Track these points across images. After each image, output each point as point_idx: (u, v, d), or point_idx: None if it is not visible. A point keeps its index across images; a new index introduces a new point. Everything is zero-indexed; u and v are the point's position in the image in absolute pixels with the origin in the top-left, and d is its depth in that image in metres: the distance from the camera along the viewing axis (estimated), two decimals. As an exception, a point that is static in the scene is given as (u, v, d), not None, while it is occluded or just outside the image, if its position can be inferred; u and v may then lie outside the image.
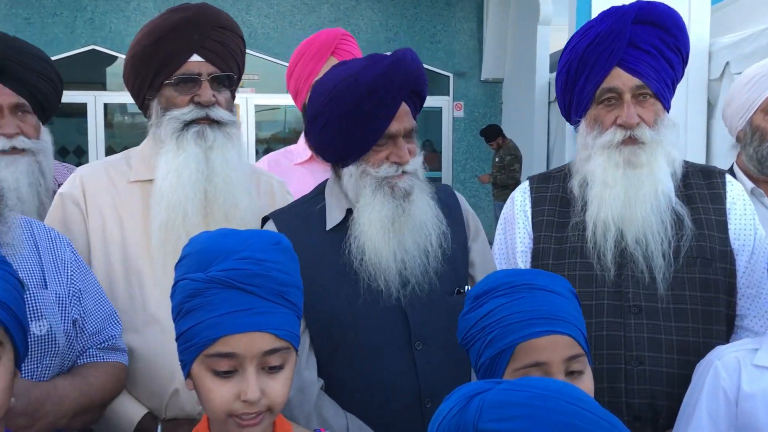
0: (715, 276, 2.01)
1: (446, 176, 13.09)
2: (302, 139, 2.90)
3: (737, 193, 2.13)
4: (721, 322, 2.03)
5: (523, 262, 2.16)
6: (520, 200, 2.26)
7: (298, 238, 1.73)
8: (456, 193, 2.15)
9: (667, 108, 2.08)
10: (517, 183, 10.28)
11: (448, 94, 13.28)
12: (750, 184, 2.61)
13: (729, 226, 2.07)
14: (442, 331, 1.87)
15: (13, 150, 2.30)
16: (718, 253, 2.03)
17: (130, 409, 2.02)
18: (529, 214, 2.20)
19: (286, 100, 12.70)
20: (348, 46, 2.82)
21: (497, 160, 10.61)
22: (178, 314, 1.40)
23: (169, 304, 1.45)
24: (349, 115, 1.82)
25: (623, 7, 2.04)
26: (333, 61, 2.69)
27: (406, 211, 1.86)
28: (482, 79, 13.20)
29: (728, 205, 2.09)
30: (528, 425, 0.93)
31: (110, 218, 2.09)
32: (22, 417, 1.50)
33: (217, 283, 1.34)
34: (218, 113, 2.08)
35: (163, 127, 2.06)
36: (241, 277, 1.34)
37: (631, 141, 2.01)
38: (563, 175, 2.23)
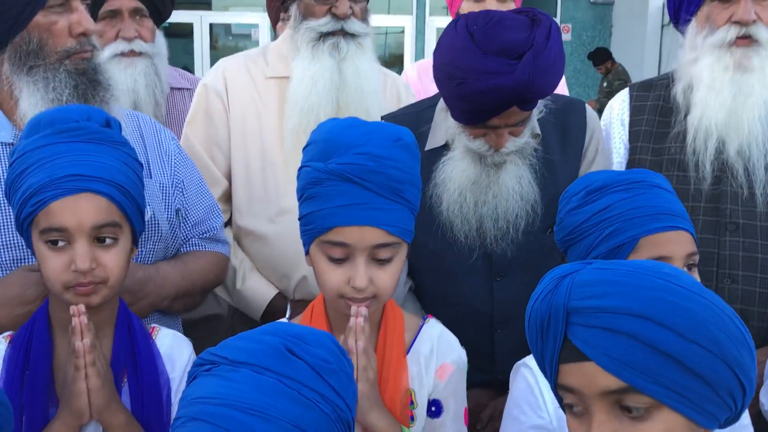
0: None
1: (549, 102, 12.77)
2: None
3: None
4: None
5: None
6: (618, 109, 2.13)
7: None
8: (589, 113, 2.01)
9: None
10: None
11: (555, 15, 12.81)
12: None
13: None
14: (528, 267, 1.85)
15: (131, 53, 2.39)
16: None
17: (263, 288, 2.21)
18: (626, 123, 2.07)
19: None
20: None
21: (605, 85, 10.22)
22: (300, 197, 1.45)
23: None
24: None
25: None
26: None
27: (492, 178, 1.83)
28: (592, 1, 12.66)
29: None
30: (619, 301, 0.91)
31: (249, 111, 2.21)
32: (126, 294, 1.57)
33: (335, 175, 1.37)
34: (353, 26, 2.14)
35: (301, 35, 2.14)
36: (358, 172, 1.36)
37: (745, 41, 1.86)
38: (666, 83, 2.07)
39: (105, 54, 2.17)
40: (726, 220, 1.88)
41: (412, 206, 1.45)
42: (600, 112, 8.32)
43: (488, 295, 1.90)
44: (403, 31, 12.87)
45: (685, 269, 1.39)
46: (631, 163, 2.02)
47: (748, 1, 1.83)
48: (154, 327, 1.56)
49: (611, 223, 1.38)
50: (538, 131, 1.86)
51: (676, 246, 1.38)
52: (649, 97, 2.07)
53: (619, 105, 2.12)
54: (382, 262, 1.41)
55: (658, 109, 2.04)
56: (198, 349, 1.36)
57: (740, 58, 1.86)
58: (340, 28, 2.12)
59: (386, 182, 1.38)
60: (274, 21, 3.04)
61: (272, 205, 2.17)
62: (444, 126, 1.89)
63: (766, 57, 1.86)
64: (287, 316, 1.91)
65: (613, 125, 2.10)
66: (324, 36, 2.13)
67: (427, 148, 1.91)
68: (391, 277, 1.43)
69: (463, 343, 1.61)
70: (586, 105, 2.03)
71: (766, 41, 1.85)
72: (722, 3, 1.87)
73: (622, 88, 8.25)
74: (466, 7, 2.65)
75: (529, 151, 1.84)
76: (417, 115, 1.99)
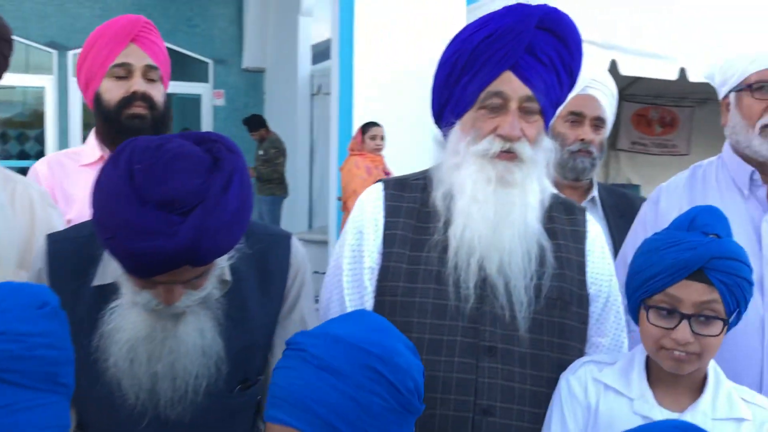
0: (571, 321, 1.83)
1: (206, 167, 12.59)
2: (92, 136, 2.54)
3: (597, 233, 1.97)
4: None
5: (369, 279, 1.85)
6: (371, 208, 1.91)
7: None
8: (294, 251, 1.76)
9: (546, 128, 1.87)
10: (282, 177, 10.13)
11: (207, 81, 12.75)
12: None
13: (587, 269, 1.89)
14: None
15: None
16: (576, 296, 1.85)
17: None
18: (380, 225, 1.88)
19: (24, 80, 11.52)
20: (150, 35, 2.46)
21: (261, 153, 10.32)
22: None
23: None
24: None
25: (528, 6, 1.81)
26: (133, 48, 2.38)
27: (168, 332, 1.57)
28: (243, 67, 12.85)
29: (588, 246, 1.92)
30: None
31: None
32: None
33: None
34: None
35: None
36: None
37: (509, 156, 1.77)
38: (423, 184, 1.93)
39: None
40: (485, 343, 1.76)
41: (70, 392, 1.13)
42: (258, 179, 8.36)
43: None
44: (43, 91, 11.94)
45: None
46: (384, 270, 1.84)
47: (516, 116, 1.76)
48: None
49: None
50: (228, 277, 1.59)
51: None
52: (405, 197, 1.91)
53: (372, 204, 1.92)
54: None
55: (415, 213, 1.88)
56: None
57: (503, 172, 1.77)
58: None
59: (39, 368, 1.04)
60: None
61: None
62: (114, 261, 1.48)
63: (527, 174, 1.78)
64: None
65: (366, 226, 1.89)
66: None
67: (94, 284, 1.56)
68: None
69: None
70: (292, 241, 1.78)
71: (528, 159, 1.78)
72: (489, 112, 1.78)
73: (279, 156, 8.40)
74: (107, 89, 2.34)
75: (213, 300, 1.56)
76: (87, 241, 1.58)
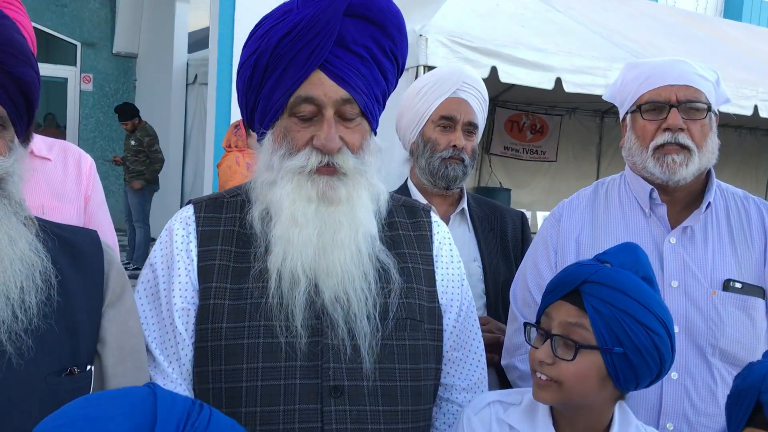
0: (423, 341, 1.62)
1: (71, 155, 11.98)
2: None
3: (444, 235, 1.77)
4: (430, 399, 1.66)
5: (183, 323, 1.56)
6: (181, 236, 1.62)
7: None
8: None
9: (374, 128, 1.64)
10: (156, 168, 9.68)
11: (75, 64, 12.10)
12: (424, 202, 2.42)
13: (436, 277, 1.70)
14: None
15: None
16: (426, 311, 1.64)
17: None
18: (194, 255, 1.60)
19: None
20: (13, 12, 2.21)
21: (133, 143, 9.76)
22: None
23: None
24: None
25: None
26: None
27: None
28: (114, 51, 12.28)
29: (435, 251, 1.72)
30: None
31: None
32: None
33: None
34: None
35: None
36: None
37: (329, 170, 1.54)
38: (240, 201, 1.66)
39: None
40: (329, 383, 1.51)
41: None
42: (127, 170, 7.88)
43: None
44: None
45: None
46: (204, 310, 1.55)
47: (333, 125, 1.53)
48: None
49: None
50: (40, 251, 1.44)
51: None
52: (221, 220, 1.64)
53: (182, 230, 1.63)
54: None
55: (233, 237, 1.62)
56: None
57: (324, 189, 1.54)
58: None
59: None
60: None
61: None
62: None
63: (353, 187, 1.55)
64: None
65: (177, 258, 1.60)
66: None
67: None
68: None
69: None
70: (99, 235, 1.59)
71: (352, 171, 1.55)
72: (302, 121, 1.55)
73: (154, 143, 7.97)
74: None
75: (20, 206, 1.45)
76: None
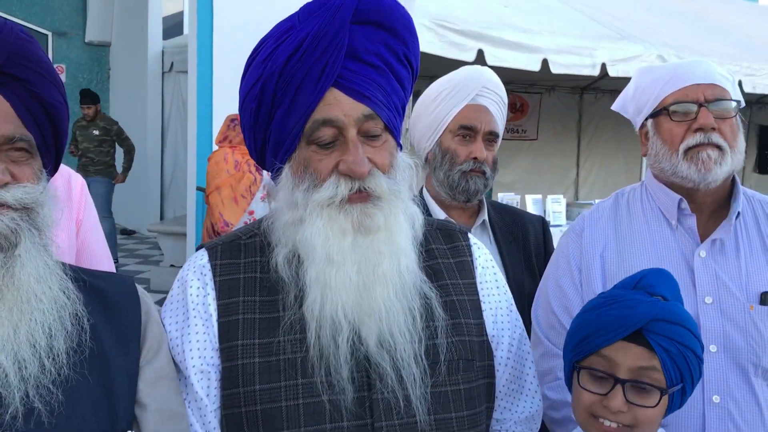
0: (477, 381, 1.47)
1: (46, 147, 11.76)
2: None
3: (485, 258, 1.62)
4: None
5: (203, 387, 1.40)
6: (197, 287, 1.45)
7: None
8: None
9: (399, 142, 1.49)
10: (134, 149, 9.40)
11: (47, 54, 11.84)
12: (443, 215, 2.36)
13: (483, 307, 1.55)
14: None
15: None
16: (477, 347, 1.49)
17: None
18: (212, 310, 1.43)
19: None
20: None
21: (96, 132, 9.20)
22: None
23: None
24: None
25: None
26: None
27: None
28: (87, 40, 12.06)
29: (478, 278, 1.57)
30: None
31: None
32: None
33: None
34: None
35: None
36: None
37: (361, 196, 1.37)
38: (259, 242, 1.50)
39: None
40: None
41: None
42: (93, 161, 7.74)
43: None
44: None
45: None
46: (229, 372, 1.38)
47: (359, 147, 1.37)
48: None
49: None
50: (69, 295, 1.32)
51: None
52: (240, 266, 1.47)
53: (198, 282, 1.45)
54: None
55: (256, 284, 1.44)
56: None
57: (360, 217, 1.37)
58: None
59: None
60: None
61: None
62: None
63: (390, 212, 1.39)
64: None
65: (192, 315, 1.43)
66: None
67: None
68: None
69: None
70: (134, 282, 1.46)
71: (387, 193, 1.39)
72: (322, 148, 1.38)
73: (122, 132, 7.77)
74: None
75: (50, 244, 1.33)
76: None
